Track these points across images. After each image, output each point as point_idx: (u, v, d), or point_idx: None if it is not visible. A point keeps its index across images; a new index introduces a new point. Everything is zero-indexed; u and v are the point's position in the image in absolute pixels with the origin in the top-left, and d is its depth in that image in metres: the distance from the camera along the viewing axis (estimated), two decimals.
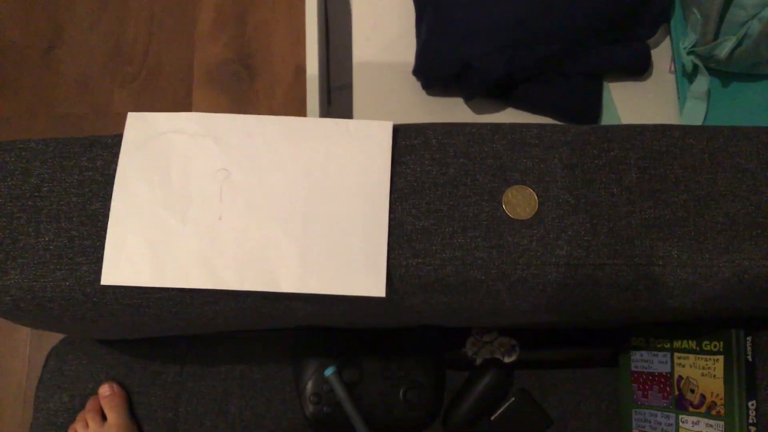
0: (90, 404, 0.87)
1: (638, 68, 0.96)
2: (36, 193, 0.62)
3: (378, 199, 0.62)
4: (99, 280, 0.60)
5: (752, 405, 0.74)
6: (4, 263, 0.60)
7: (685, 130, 0.65)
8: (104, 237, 0.61)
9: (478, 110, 0.96)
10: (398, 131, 0.64)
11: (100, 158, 0.63)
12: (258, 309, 0.64)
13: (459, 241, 0.61)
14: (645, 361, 0.86)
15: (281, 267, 0.60)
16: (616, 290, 0.63)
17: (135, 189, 0.62)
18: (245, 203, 0.61)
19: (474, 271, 0.61)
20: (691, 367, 0.80)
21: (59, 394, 0.87)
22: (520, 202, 0.62)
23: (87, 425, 0.85)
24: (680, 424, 0.81)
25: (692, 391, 0.79)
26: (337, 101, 1.20)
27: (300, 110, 1.51)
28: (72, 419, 0.86)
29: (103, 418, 0.86)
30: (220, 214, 0.61)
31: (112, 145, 0.63)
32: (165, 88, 1.55)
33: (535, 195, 0.62)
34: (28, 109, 1.55)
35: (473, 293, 0.63)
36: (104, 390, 0.87)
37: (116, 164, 0.62)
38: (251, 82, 1.54)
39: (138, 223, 0.61)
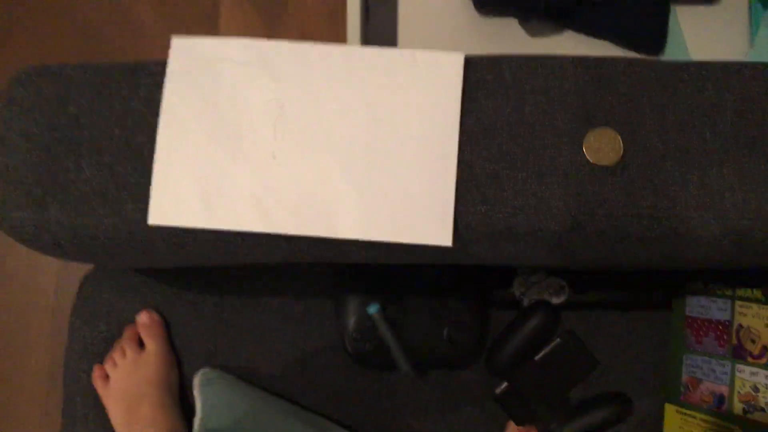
0: (127, 332, 0.85)
1: None
2: (75, 124, 0.57)
3: (446, 140, 0.56)
4: (145, 219, 0.56)
5: None
6: (43, 199, 0.56)
7: None
8: (150, 173, 0.56)
9: (533, 33, 0.89)
10: (469, 63, 0.58)
11: (143, 87, 0.57)
12: (311, 252, 0.60)
13: (533, 187, 0.56)
14: (702, 306, 0.83)
15: (339, 211, 0.56)
16: (699, 245, 0.58)
17: (182, 122, 0.56)
18: (301, 140, 0.56)
19: (548, 221, 0.57)
20: (753, 317, 0.76)
21: (95, 322, 0.84)
22: (603, 146, 0.56)
23: (125, 353, 0.84)
24: (736, 373, 0.78)
25: (753, 341, 0.76)
26: (376, 16, 1.12)
27: (333, 22, 1.42)
28: (109, 348, 0.84)
29: (141, 346, 0.84)
30: (273, 152, 0.56)
31: (156, 72, 0.58)
32: None
33: (620, 139, 0.57)
34: (48, 16, 1.47)
35: (544, 244, 0.59)
36: (143, 318, 0.85)
37: (161, 94, 0.57)
38: None
39: (186, 159, 0.56)
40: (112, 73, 0.58)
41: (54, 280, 1.39)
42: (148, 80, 0.58)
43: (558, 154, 0.57)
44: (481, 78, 0.58)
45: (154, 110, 0.57)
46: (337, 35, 1.42)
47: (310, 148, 0.56)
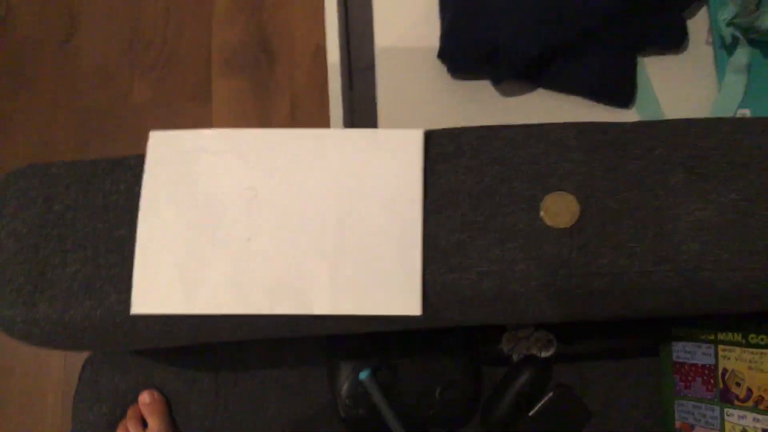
0: (131, 412, 0.87)
1: (674, 41, 0.91)
2: (60, 221, 0.61)
3: (410, 213, 0.59)
4: (129, 309, 0.59)
5: None
6: (32, 296, 0.59)
7: (734, 125, 0.61)
8: (132, 264, 0.59)
9: (507, 93, 0.93)
10: (429, 138, 0.62)
11: (123, 181, 0.61)
12: (290, 328, 0.63)
13: (496, 253, 0.59)
14: (687, 352, 0.84)
15: (313, 288, 0.59)
16: (662, 296, 0.60)
17: (161, 212, 0.60)
18: (274, 223, 0.59)
19: (513, 284, 0.59)
20: (736, 360, 0.77)
21: (98, 406, 0.87)
22: (560, 209, 0.59)
23: None
24: (726, 417, 0.78)
25: (738, 384, 0.77)
26: (359, 85, 1.17)
27: (321, 94, 1.48)
28: (112, 430, 0.86)
29: (144, 426, 0.86)
30: (248, 236, 0.59)
31: (135, 165, 0.61)
32: (184, 76, 1.52)
33: (575, 201, 0.59)
34: (48, 103, 1.53)
35: (512, 306, 0.61)
36: (144, 397, 0.87)
37: (140, 186, 0.61)
38: (271, 66, 1.50)
39: (165, 248, 0.59)
40: (95, 169, 0.62)
41: (62, 359, 1.41)
42: (127, 174, 0.61)
43: (518, 220, 0.59)
44: (441, 151, 0.61)
45: (134, 203, 0.60)
46: (325, 102, 1.47)
47: (283, 230, 0.59)
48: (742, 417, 0.76)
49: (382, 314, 0.58)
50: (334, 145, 0.61)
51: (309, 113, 1.46)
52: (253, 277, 0.59)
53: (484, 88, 0.92)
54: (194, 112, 1.48)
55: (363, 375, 0.83)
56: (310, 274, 0.59)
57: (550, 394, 0.86)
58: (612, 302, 0.61)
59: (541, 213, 0.59)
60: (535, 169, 0.60)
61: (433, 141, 0.62)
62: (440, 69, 0.92)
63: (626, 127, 0.61)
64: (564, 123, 0.62)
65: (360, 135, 0.61)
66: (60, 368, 1.42)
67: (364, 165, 0.60)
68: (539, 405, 0.86)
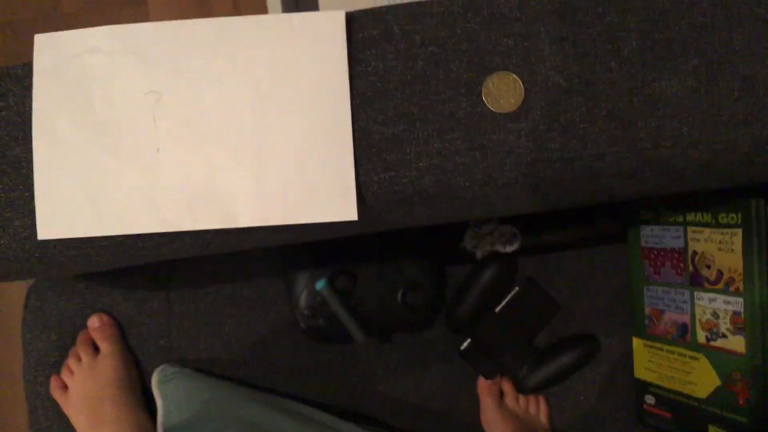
0: (81, 338, 0.83)
1: None
2: None
3: (338, 107, 0.53)
4: (36, 234, 0.53)
5: None
6: None
7: None
8: (32, 185, 0.53)
9: None
10: (353, 20, 0.54)
11: (11, 94, 0.54)
12: (221, 243, 0.58)
13: (436, 146, 0.53)
14: (656, 236, 0.80)
15: (236, 199, 0.53)
16: (619, 179, 0.55)
17: (57, 126, 0.53)
18: (185, 129, 0.53)
19: (456, 178, 0.54)
20: (706, 241, 0.74)
21: (47, 333, 0.83)
22: (503, 91, 0.53)
23: (80, 359, 0.82)
24: (696, 301, 0.76)
25: (708, 266, 0.74)
26: None
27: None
28: (63, 356, 0.83)
29: (96, 350, 0.83)
30: (157, 146, 0.53)
31: (23, 76, 0.54)
32: None
33: (520, 81, 0.53)
34: None
35: (458, 201, 0.56)
36: (93, 321, 0.83)
37: (31, 99, 0.54)
38: None
39: (67, 166, 0.53)
40: None
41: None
42: (15, 86, 0.54)
43: (457, 107, 0.53)
44: (367, 35, 0.54)
45: (27, 118, 0.54)
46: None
47: (195, 136, 0.53)
48: (713, 300, 0.73)
49: (315, 221, 0.53)
50: (245, 35, 0.53)
51: (252, 9, 1.35)
52: (167, 191, 0.53)
53: None
54: (129, 16, 1.37)
55: (319, 284, 0.79)
56: (231, 184, 0.53)
57: (516, 289, 0.83)
58: (566, 190, 0.56)
59: (483, 97, 0.53)
60: (473, 47, 0.53)
61: (357, 24, 0.54)
62: None
63: None
64: None
65: (273, 21, 0.54)
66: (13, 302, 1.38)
67: (282, 56, 0.53)
68: (505, 301, 0.83)
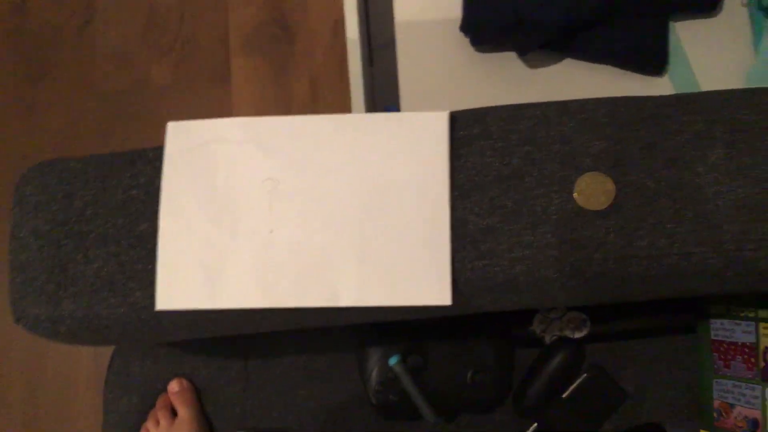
0: (160, 401, 0.87)
1: (707, 4, 0.87)
2: (81, 217, 0.60)
3: (438, 198, 0.57)
4: (153, 305, 0.58)
5: None
6: (56, 294, 0.59)
7: None
8: (155, 259, 0.58)
9: (533, 64, 0.89)
10: (455, 120, 0.59)
11: (143, 174, 0.60)
12: (316, 320, 0.61)
13: (528, 238, 0.57)
14: (726, 330, 0.81)
15: (339, 279, 0.57)
16: (703, 278, 0.58)
17: (182, 206, 0.58)
18: (296, 212, 0.58)
19: (546, 270, 0.57)
20: None
21: (128, 396, 0.87)
22: (594, 190, 0.57)
23: (158, 423, 0.85)
24: (767, 396, 0.76)
25: None
26: (379, 61, 1.14)
27: (341, 70, 1.45)
28: (143, 419, 0.86)
29: (174, 414, 0.86)
30: (271, 227, 0.58)
31: (154, 158, 0.60)
32: (203, 57, 1.50)
33: (610, 181, 0.57)
34: (69, 91, 1.53)
35: (545, 291, 0.59)
36: (173, 386, 0.87)
37: (160, 180, 0.59)
38: (289, 44, 1.48)
39: (188, 242, 0.58)
40: (113, 163, 0.61)
41: (92, 349, 1.42)
42: (147, 167, 0.60)
43: (549, 203, 0.57)
44: (467, 133, 0.59)
45: (155, 197, 0.59)
46: (345, 78, 1.44)
47: (306, 218, 0.58)
48: None
49: (410, 304, 0.57)
50: (356, 130, 0.59)
51: (329, 91, 1.43)
52: (277, 270, 0.57)
53: (509, 60, 0.89)
54: (214, 93, 1.46)
55: (392, 360, 0.81)
56: (335, 265, 0.57)
57: (584, 375, 0.84)
58: (650, 285, 0.59)
59: (575, 195, 0.57)
60: (566, 148, 0.58)
61: (459, 123, 0.59)
62: (463, 41, 0.89)
63: (662, 101, 0.58)
64: (596, 99, 0.59)
65: (383, 119, 0.59)
66: (90, 358, 1.43)
67: (388, 150, 0.58)
68: (572, 387, 0.84)
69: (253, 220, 0.58)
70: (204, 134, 0.59)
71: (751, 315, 0.78)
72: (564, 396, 0.84)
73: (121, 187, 0.60)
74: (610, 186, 0.57)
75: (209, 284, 0.57)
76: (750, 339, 0.78)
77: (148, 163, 0.60)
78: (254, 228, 0.58)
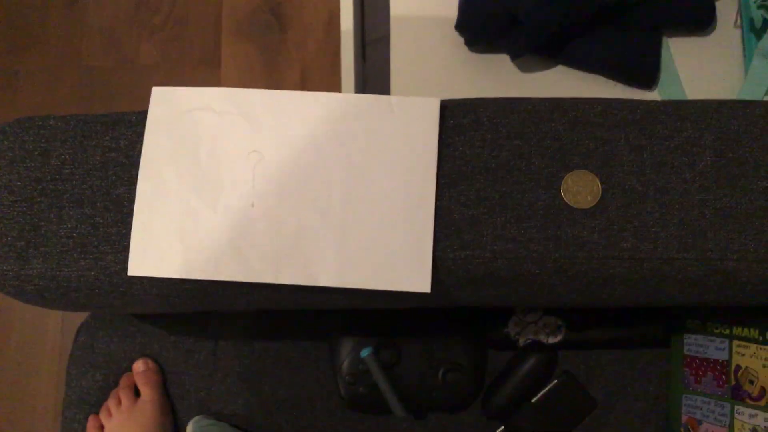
0: (123, 381, 0.85)
1: (701, 22, 0.88)
2: (57, 176, 0.58)
3: (423, 185, 0.57)
4: (125, 270, 0.56)
5: None
6: (26, 251, 0.57)
7: (766, 108, 0.58)
8: (130, 224, 0.57)
9: (525, 68, 0.89)
10: (446, 108, 0.59)
11: (123, 138, 0.58)
12: (293, 299, 0.60)
13: (512, 232, 0.56)
14: (700, 345, 0.81)
15: (319, 259, 0.56)
16: (684, 285, 0.58)
17: (162, 172, 0.57)
18: (279, 188, 0.57)
19: (528, 264, 0.56)
20: (751, 357, 0.75)
21: (92, 372, 0.84)
22: (581, 188, 0.56)
23: (120, 402, 0.83)
24: (736, 415, 0.76)
25: (751, 382, 0.75)
26: (372, 56, 1.14)
27: (333, 63, 1.44)
28: (105, 397, 0.84)
29: (137, 394, 0.84)
30: (252, 201, 0.56)
31: (136, 123, 0.59)
32: (193, 39, 1.48)
33: (598, 181, 0.56)
34: (54, 63, 1.50)
35: (526, 287, 0.58)
36: (138, 365, 0.85)
37: (141, 145, 0.58)
38: (282, 33, 1.47)
39: (166, 210, 0.56)
40: (94, 124, 0.59)
41: (60, 321, 1.40)
42: (128, 131, 0.58)
43: (536, 198, 0.56)
44: (458, 122, 0.58)
45: (135, 161, 0.58)
46: (337, 72, 1.43)
47: (289, 195, 0.57)
48: (753, 416, 0.74)
49: (389, 289, 0.56)
50: (346, 110, 0.58)
51: (320, 83, 1.42)
52: (256, 244, 0.56)
53: (501, 62, 0.89)
54: (202, 76, 1.45)
55: (365, 352, 0.80)
56: (316, 244, 0.56)
57: (555, 381, 0.84)
58: (631, 288, 0.58)
59: (561, 192, 0.56)
60: (556, 145, 0.57)
61: (450, 112, 0.59)
62: (457, 41, 0.88)
63: (654, 105, 0.58)
64: (590, 98, 0.58)
65: (374, 101, 0.58)
66: (57, 331, 1.40)
67: (377, 133, 0.57)
68: (543, 392, 0.84)
69: (236, 191, 0.56)
70: (190, 102, 0.58)
71: (726, 332, 0.78)
72: (533, 401, 0.84)
73: (100, 148, 0.58)
74: (597, 185, 0.56)
75: (184, 253, 0.56)
76: (723, 356, 0.78)
77: (130, 127, 0.59)
78: (236, 200, 0.56)
